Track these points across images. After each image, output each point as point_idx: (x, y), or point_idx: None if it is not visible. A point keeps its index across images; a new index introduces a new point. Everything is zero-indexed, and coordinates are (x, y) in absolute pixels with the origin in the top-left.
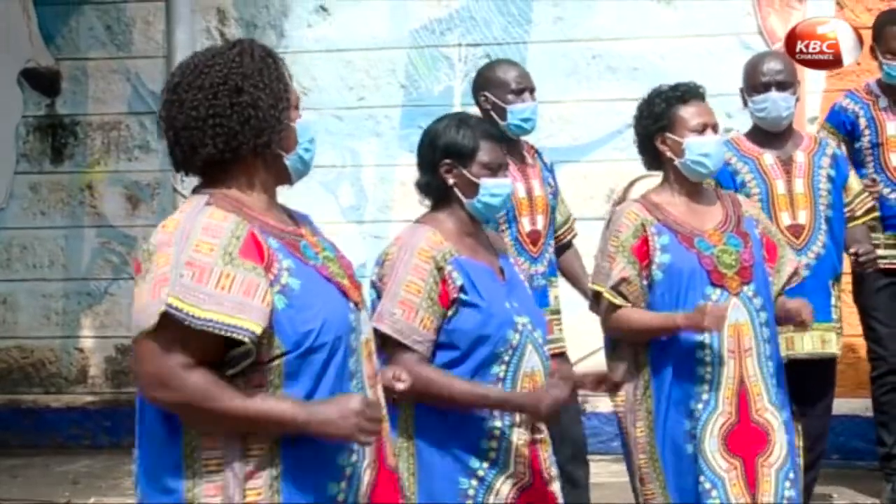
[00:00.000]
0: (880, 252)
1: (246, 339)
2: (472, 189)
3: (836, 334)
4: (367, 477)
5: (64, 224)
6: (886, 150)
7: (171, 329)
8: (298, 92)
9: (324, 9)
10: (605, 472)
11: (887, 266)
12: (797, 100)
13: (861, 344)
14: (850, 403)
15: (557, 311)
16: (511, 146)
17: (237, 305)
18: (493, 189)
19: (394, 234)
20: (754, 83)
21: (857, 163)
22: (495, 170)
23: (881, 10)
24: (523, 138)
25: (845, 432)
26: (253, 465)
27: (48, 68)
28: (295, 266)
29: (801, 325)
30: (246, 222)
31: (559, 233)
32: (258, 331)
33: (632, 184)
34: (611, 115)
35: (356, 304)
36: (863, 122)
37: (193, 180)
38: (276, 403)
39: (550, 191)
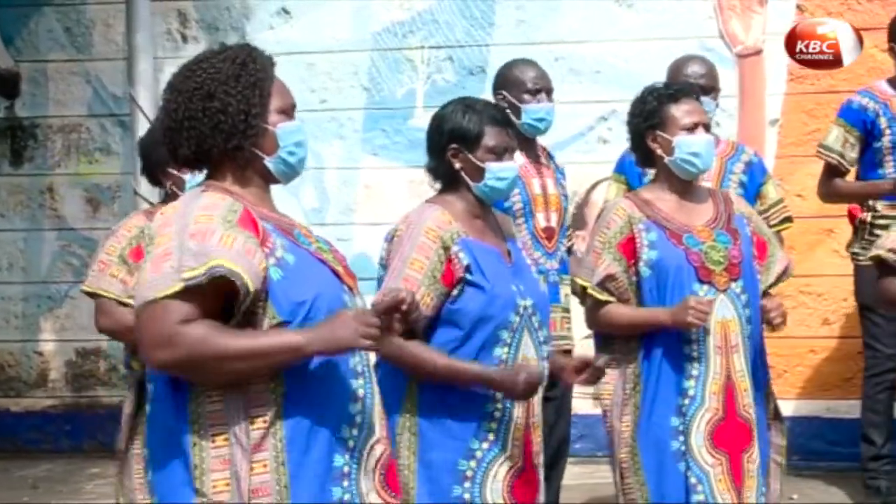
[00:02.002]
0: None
1: (240, 286)
2: (479, 173)
3: None
4: (377, 451)
5: (24, 227)
6: None
7: (183, 298)
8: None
9: (286, 11)
10: (567, 475)
11: None
12: (717, 105)
13: (822, 346)
14: (810, 405)
15: (567, 309)
16: (527, 145)
17: (240, 256)
18: (499, 173)
19: (357, 237)
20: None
21: (874, 163)
22: (501, 154)
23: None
24: (538, 140)
25: (804, 433)
26: (258, 436)
27: (8, 70)
28: (288, 245)
29: (772, 323)
30: (241, 204)
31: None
32: (251, 286)
33: (594, 186)
34: (574, 118)
35: (350, 288)
36: (884, 121)
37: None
38: (278, 334)
39: (563, 192)
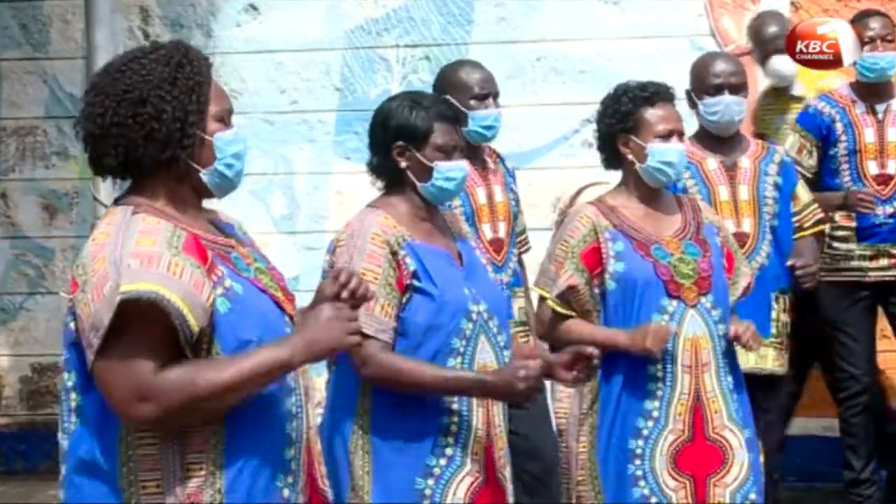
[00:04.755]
0: (854, 264)
1: (179, 325)
2: (426, 172)
3: (776, 350)
4: (301, 500)
5: None
6: (864, 158)
7: (128, 333)
8: (230, 99)
9: (254, 7)
10: None
11: (862, 279)
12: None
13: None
14: (807, 423)
15: (523, 323)
16: (472, 151)
17: (189, 294)
18: (447, 172)
19: (327, 245)
20: (705, 85)
21: (831, 171)
22: (450, 152)
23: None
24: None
25: (802, 454)
26: (195, 486)
27: None
28: (230, 273)
29: (746, 347)
30: (181, 229)
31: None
32: (195, 329)
33: (579, 192)
34: (557, 120)
35: (290, 318)
36: (839, 126)
37: (116, 190)
38: (259, 353)
39: (513, 197)
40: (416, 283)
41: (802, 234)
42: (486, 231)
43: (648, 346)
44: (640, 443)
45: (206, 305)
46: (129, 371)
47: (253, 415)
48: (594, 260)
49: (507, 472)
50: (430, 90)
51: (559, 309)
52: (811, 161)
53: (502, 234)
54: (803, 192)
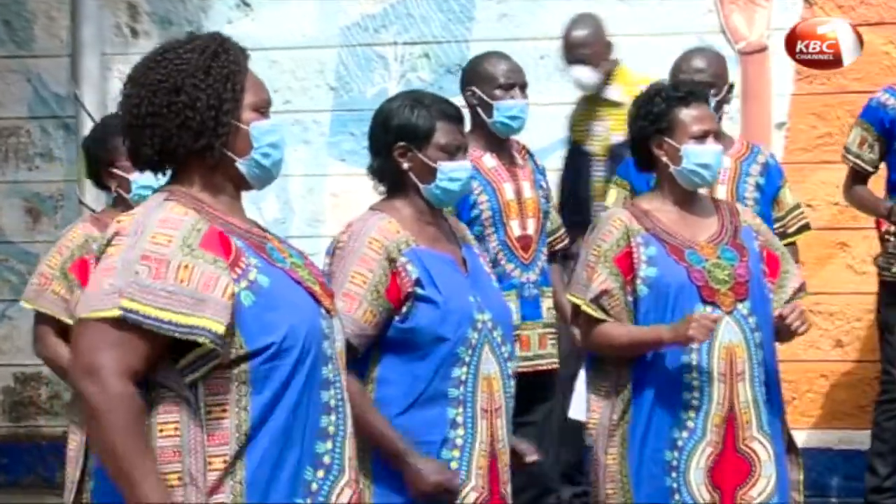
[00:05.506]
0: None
1: (205, 341)
2: (429, 174)
3: None
4: (346, 495)
5: None
6: None
7: (119, 325)
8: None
9: (245, 4)
10: None
11: None
12: (726, 101)
13: (834, 370)
14: (821, 435)
15: (551, 325)
16: (499, 145)
17: (197, 302)
18: (451, 173)
19: (324, 250)
20: (675, 81)
21: (893, 165)
22: (453, 152)
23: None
24: (514, 137)
25: (816, 467)
26: (215, 478)
27: None
28: (262, 265)
29: (792, 330)
30: (207, 220)
31: (549, 240)
32: (220, 329)
33: None
34: (560, 121)
35: (328, 311)
36: None
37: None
38: (145, 474)
39: (542, 194)
40: (419, 290)
41: (786, 240)
42: (515, 228)
43: (692, 334)
44: (676, 454)
45: (223, 300)
46: (89, 343)
47: (278, 407)
48: (627, 265)
49: (509, 489)
50: (429, 89)
51: (594, 314)
52: (872, 155)
53: (531, 231)
54: (789, 196)
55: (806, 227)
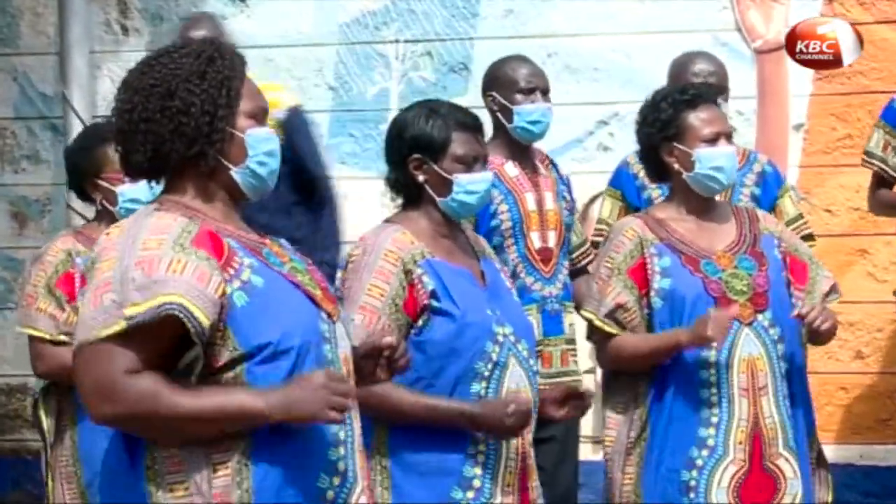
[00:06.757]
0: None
1: (192, 328)
2: (445, 186)
3: None
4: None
5: None
6: None
7: (125, 336)
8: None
9: None
10: None
11: None
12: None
13: (855, 382)
14: (841, 450)
15: (573, 341)
16: (521, 152)
17: (191, 289)
18: (468, 186)
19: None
20: (682, 85)
21: None
22: (470, 164)
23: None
24: (537, 146)
25: (835, 483)
26: (221, 485)
27: None
28: (257, 265)
29: (818, 334)
30: (198, 223)
31: (574, 256)
32: (206, 323)
33: (593, 200)
34: (569, 122)
35: (329, 315)
36: None
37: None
38: (238, 395)
39: (566, 206)
40: (434, 303)
41: None
42: (535, 240)
43: (709, 334)
44: (695, 474)
45: (214, 297)
46: (98, 368)
47: (285, 428)
48: (641, 277)
49: (541, 502)
50: (431, 89)
51: (608, 328)
52: None
53: (552, 243)
54: (789, 205)
55: (809, 238)
